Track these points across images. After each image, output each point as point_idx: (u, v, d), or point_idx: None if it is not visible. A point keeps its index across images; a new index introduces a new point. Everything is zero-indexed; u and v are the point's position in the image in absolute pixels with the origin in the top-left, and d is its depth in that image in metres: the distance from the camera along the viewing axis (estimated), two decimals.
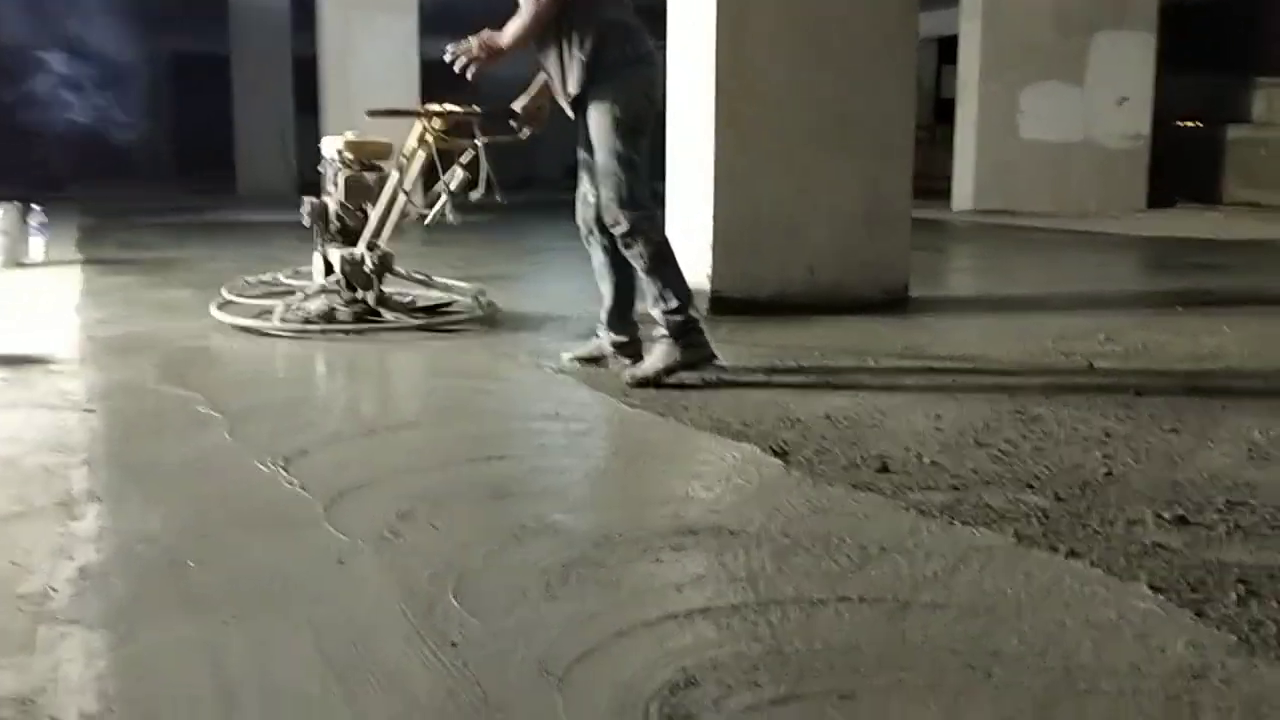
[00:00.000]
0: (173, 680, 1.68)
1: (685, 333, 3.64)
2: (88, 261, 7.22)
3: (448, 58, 3.69)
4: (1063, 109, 12.55)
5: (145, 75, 20.71)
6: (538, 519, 2.35)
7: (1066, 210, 12.06)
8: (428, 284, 5.26)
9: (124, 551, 2.18)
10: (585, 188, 3.81)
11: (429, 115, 4.49)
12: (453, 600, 1.93)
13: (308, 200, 4.97)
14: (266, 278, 5.71)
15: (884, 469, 2.67)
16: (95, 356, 4.09)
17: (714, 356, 3.68)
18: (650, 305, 3.67)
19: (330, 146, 5.03)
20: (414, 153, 4.57)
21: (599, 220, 3.76)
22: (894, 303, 5.25)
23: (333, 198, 4.92)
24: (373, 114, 4.74)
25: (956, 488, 2.53)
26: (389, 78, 11.45)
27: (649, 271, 3.64)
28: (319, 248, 4.94)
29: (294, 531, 2.30)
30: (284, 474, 2.66)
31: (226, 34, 16.61)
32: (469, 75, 3.67)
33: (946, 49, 15.28)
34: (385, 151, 4.97)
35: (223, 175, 16.94)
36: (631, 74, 3.64)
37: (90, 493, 2.53)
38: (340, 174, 4.87)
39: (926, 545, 2.19)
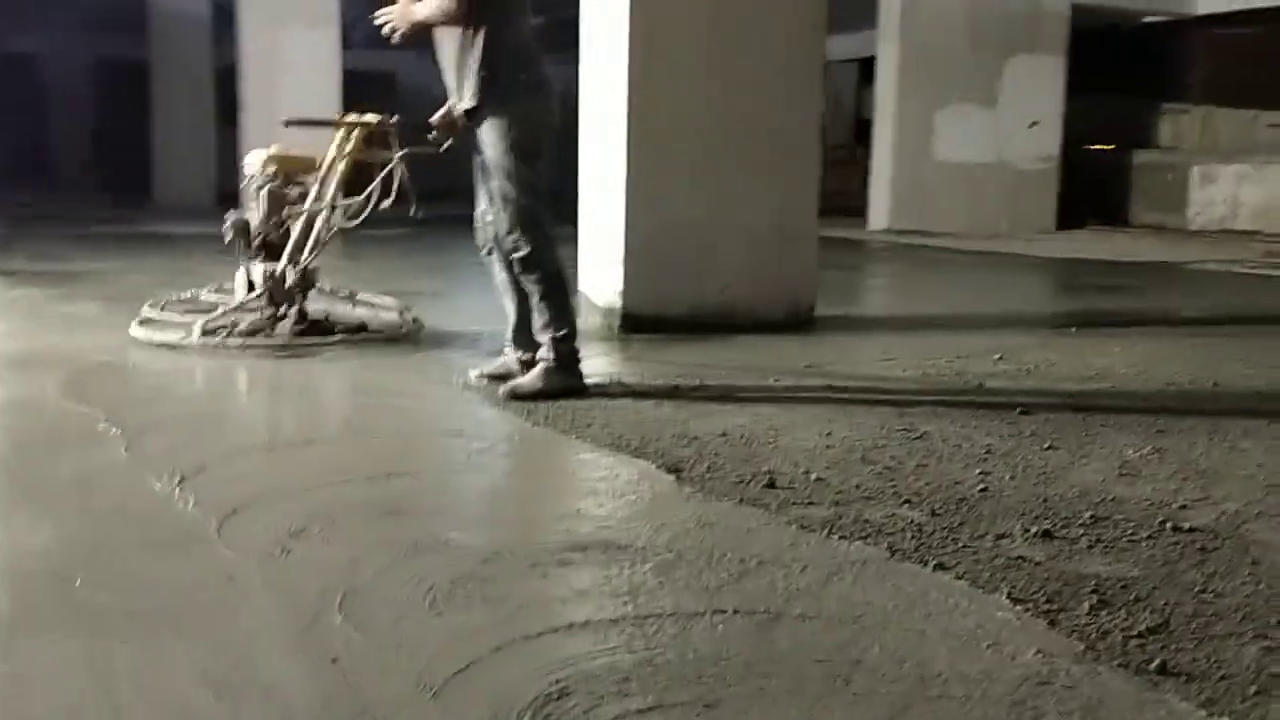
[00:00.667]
0: (56, 696, 1.71)
1: (569, 362, 3.77)
2: None
3: (376, 21, 3.78)
4: (976, 131, 12.87)
5: (62, 81, 20.34)
6: (431, 535, 2.40)
7: (979, 231, 12.36)
8: (352, 300, 5.26)
9: (11, 568, 2.20)
10: (484, 207, 3.89)
11: (347, 125, 4.50)
12: (337, 616, 1.97)
13: (230, 215, 4.95)
14: (187, 294, 5.64)
15: (771, 485, 2.76)
16: None
17: (586, 389, 3.79)
18: (539, 329, 3.77)
19: (254, 161, 5.00)
20: (333, 164, 4.57)
21: (498, 239, 3.83)
22: (802, 322, 5.36)
23: (255, 212, 4.90)
24: (290, 123, 4.72)
25: (838, 503, 2.63)
26: (311, 90, 11.42)
27: (543, 298, 3.74)
28: (242, 264, 4.91)
29: (185, 548, 2.32)
30: (179, 491, 2.67)
31: (146, 41, 16.39)
32: (394, 39, 3.76)
33: (867, 70, 15.58)
34: (310, 166, 4.97)
35: (141, 185, 16.69)
36: (527, 100, 3.73)
37: None
38: (263, 189, 4.85)
39: (803, 558, 2.28)
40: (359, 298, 5.36)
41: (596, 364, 4.20)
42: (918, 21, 12.66)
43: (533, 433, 3.35)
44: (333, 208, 4.62)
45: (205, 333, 4.54)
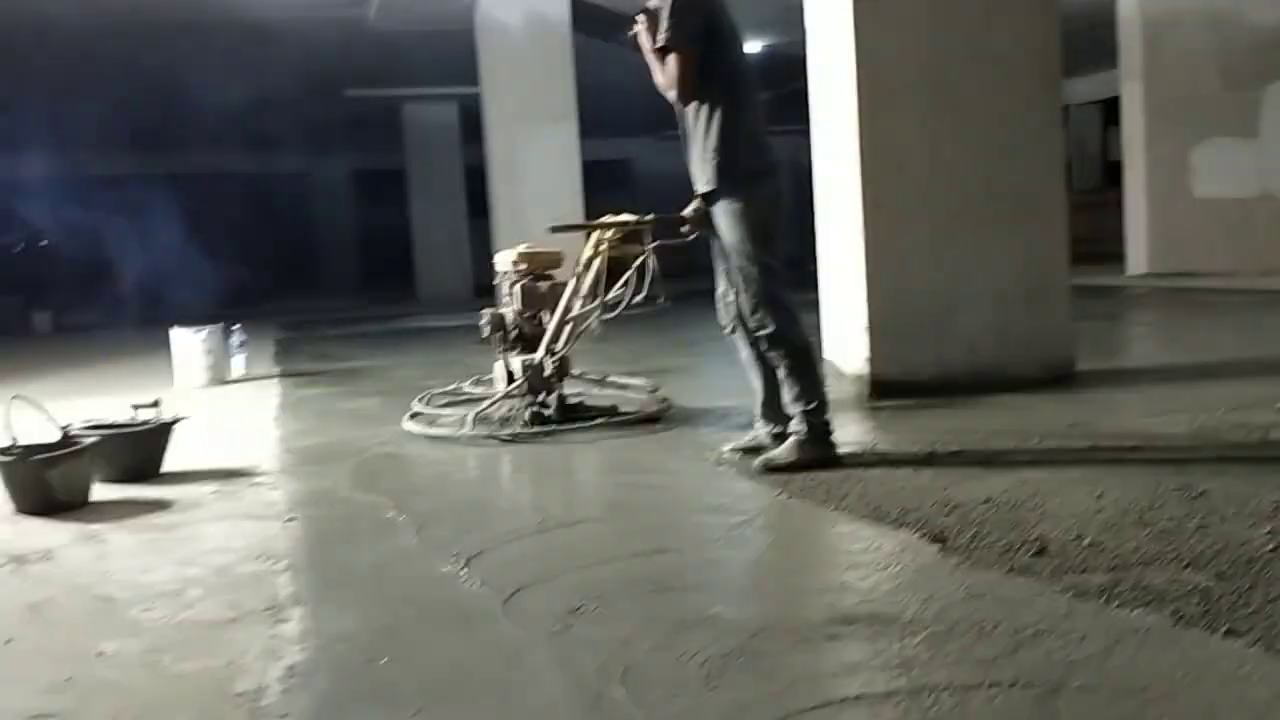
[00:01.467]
0: None
1: (819, 433, 3.79)
2: (284, 375, 7.76)
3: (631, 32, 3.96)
4: (1237, 164, 12.15)
5: (328, 194, 22.07)
6: (698, 611, 2.47)
7: (1248, 269, 11.59)
8: (603, 383, 5.46)
9: (325, 650, 2.40)
10: (724, 288, 4.00)
11: (605, 227, 4.69)
12: (619, 691, 2.06)
13: (486, 312, 5.27)
14: (452, 386, 6.00)
15: (1042, 552, 2.69)
16: (294, 467, 4.43)
17: (840, 459, 3.80)
18: (789, 402, 3.82)
19: (504, 259, 5.32)
20: (589, 262, 4.78)
21: (741, 318, 3.93)
22: (1059, 379, 5.20)
23: (509, 307, 5.20)
24: (555, 229, 4.96)
25: (1115, 568, 2.54)
26: (553, 183, 11.97)
27: (791, 372, 3.80)
28: (499, 356, 5.20)
29: (474, 627, 2.48)
30: (464, 573, 2.86)
31: (402, 149, 17.66)
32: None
33: (1111, 110, 15.01)
34: (556, 261, 5.25)
35: (403, 284, 17.83)
36: (758, 184, 3.84)
37: (294, 597, 2.77)
38: (516, 284, 5.14)
39: (1081, 628, 2.21)
40: (610, 380, 5.55)
41: (848, 432, 4.21)
42: (1162, 58, 12.14)
43: (789, 505, 3.38)
44: (590, 301, 4.80)
45: (477, 423, 4.80)
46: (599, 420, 4.90)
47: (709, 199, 3.89)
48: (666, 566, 2.86)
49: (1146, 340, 7.75)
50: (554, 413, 4.92)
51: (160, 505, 3.86)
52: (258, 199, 20.74)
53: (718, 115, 3.80)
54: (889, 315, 5.16)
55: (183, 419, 4.54)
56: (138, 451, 4.28)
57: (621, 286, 4.54)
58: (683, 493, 3.78)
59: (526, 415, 4.89)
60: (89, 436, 4.08)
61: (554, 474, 4.29)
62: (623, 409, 5.10)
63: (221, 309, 14.57)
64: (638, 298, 4.37)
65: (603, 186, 13.61)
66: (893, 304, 5.16)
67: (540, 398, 4.98)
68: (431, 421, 5.11)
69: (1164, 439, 3.93)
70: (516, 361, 5.06)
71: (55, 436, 4.04)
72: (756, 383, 4.05)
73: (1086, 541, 2.76)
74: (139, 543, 3.39)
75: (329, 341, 10.47)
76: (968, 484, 3.42)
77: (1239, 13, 12.08)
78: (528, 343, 5.17)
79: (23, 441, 3.95)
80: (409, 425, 5.08)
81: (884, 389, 5.08)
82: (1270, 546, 2.62)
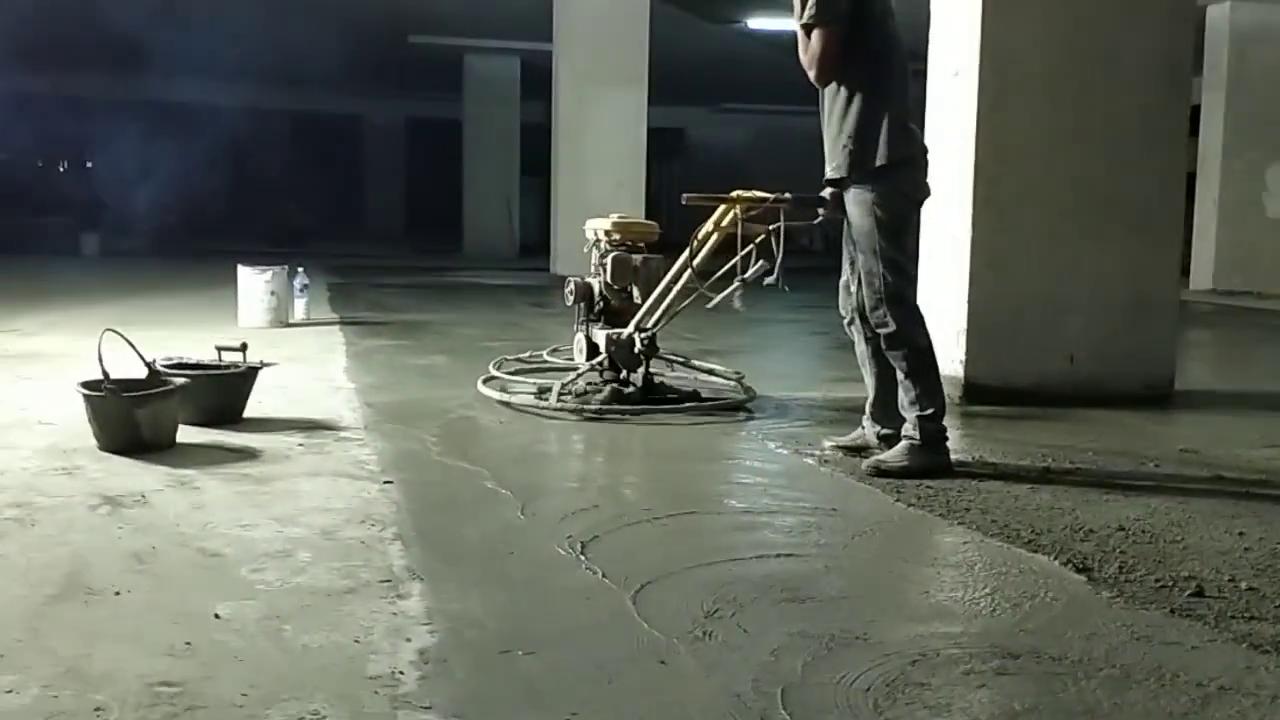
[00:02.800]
0: None
1: (933, 440, 3.64)
2: (344, 323, 7.65)
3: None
4: None
5: (382, 138, 21.91)
6: (845, 628, 2.34)
7: None
8: (687, 366, 5.28)
9: (455, 636, 2.27)
10: (848, 276, 3.85)
11: (741, 203, 4.47)
12: (784, 714, 1.94)
13: (571, 280, 5.10)
14: (527, 354, 5.84)
15: (1199, 593, 2.55)
16: (377, 425, 4.31)
17: (951, 469, 3.66)
18: (905, 405, 3.68)
19: (595, 227, 5.15)
20: (709, 236, 4.55)
21: (862, 311, 3.78)
22: (1158, 398, 5.04)
23: (596, 278, 5.03)
24: (689, 200, 4.68)
25: None
26: (617, 147, 11.81)
27: (910, 374, 3.65)
28: (580, 327, 5.04)
29: (608, 624, 2.36)
30: (583, 559, 2.74)
31: (460, 101, 17.47)
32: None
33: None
34: (651, 233, 5.08)
35: (449, 237, 17.71)
36: (897, 174, 3.66)
37: (409, 570, 2.65)
38: (608, 255, 4.96)
39: (1268, 685, 2.08)
40: (694, 364, 5.39)
41: (950, 438, 4.06)
42: (1248, 73, 11.88)
43: (909, 515, 3.25)
44: (703, 280, 4.59)
45: (562, 395, 4.65)
46: (685, 404, 4.76)
47: (839, 184, 3.74)
48: (796, 573, 2.73)
49: (1228, 363, 7.57)
50: (637, 392, 4.77)
51: (248, 454, 3.75)
52: (307, 138, 20.62)
53: (857, 100, 3.64)
54: (989, 317, 5.00)
55: (269, 365, 4.43)
56: (223, 395, 4.18)
57: (746, 263, 4.35)
58: (789, 490, 3.63)
59: (608, 392, 4.74)
60: (177, 376, 3.97)
61: (645, 458, 4.16)
62: (707, 394, 4.96)
63: (266, 247, 14.49)
64: (769, 279, 4.12)
65: (655, 154, 13.38)
66: (993, 306, 5.00)
67: (624, 375, 4.84)
68: (509, 389, 4.98)
69: None
70: (601, 335, 4.91)
71: (141, 373, 3.94)
72: (870, 380, 3.92)
73: (1243, 585, 2.62)
74: (234, 494, 3.28)
75: (383, 291, 10.35)
76: (1094, 508, 3.28)
77: None
78: (612, 316, 5.02)
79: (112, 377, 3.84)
80: (485, 390, 4.95)
81: (978, 393, 4.93)
82: None
